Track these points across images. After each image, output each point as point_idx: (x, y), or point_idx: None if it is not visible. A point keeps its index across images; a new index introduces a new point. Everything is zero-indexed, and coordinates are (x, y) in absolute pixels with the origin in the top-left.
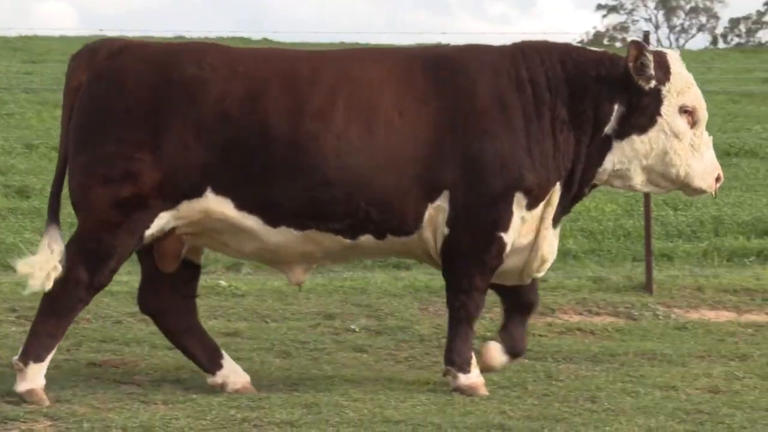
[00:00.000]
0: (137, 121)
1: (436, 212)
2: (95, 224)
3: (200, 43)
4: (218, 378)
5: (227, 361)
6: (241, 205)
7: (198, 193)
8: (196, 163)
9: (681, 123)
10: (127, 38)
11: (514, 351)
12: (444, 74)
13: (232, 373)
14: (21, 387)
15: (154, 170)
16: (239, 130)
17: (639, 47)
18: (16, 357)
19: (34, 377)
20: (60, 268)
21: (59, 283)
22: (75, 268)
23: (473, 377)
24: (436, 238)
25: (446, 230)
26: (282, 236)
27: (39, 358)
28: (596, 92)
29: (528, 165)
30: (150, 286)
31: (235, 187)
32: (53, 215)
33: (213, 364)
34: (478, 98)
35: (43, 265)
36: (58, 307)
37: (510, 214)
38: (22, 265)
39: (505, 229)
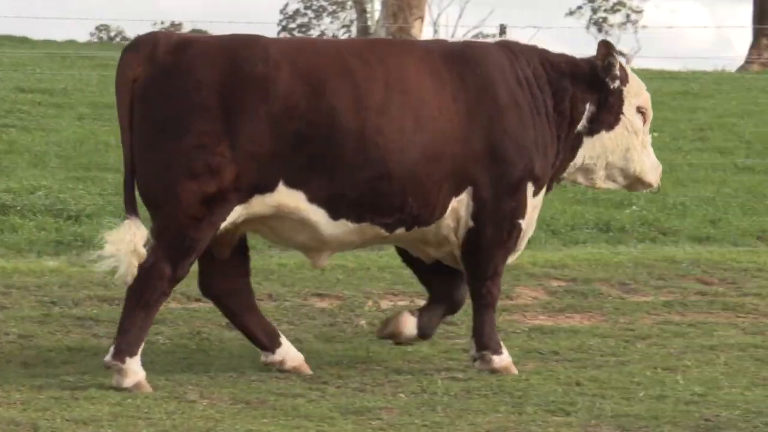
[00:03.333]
0: (214, 116)
1: (459, 205)
2: (181, 219)
3: (255, 36)
4: (277, 356)
5: (284, 340)
6: (311, 198)
7: (270, 187)
8: (269, 158)
9: (638, 122)
10: (173, 31)
11: (424, 333)
12: (466, 70)
13: (290, 352)
14: (126, 383)
15: (232, 164)
16: (308, 123)
17: (608, 47)
18: (109, 357)
19: (136, 370)
20: (144, 254)
21: (144, 277)
22: (160, 262)
23: (506, 358)
24: (459, 229)
25: (471, 223)
26: (339, 228)
27: (133, 353)
28: (572, 92)
29: (535, 155)
30: (209, 270)
31: (307, 180)
32: (133, 209)
33: (273, 342)
34: (497, 94)
35: (126, 246)
36: (144, 301)
37: (525, 202)
38: (108, 245)
39: (523, 216)
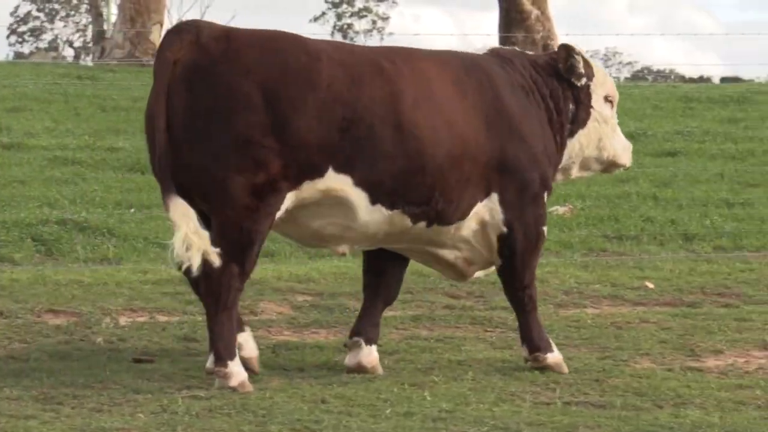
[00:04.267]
0: (261, 107)
1: (484, 210)
2: (236, 213)
3: (296, 34)
4: (229, 369)
5: (248, 331)
6: (357, 182)
7: (320, 173)
8: (317, 144)
9: (607, 110)
10: (215, 22)
11: (376, 341)
12: (479, 80)
13: (249, 342)
14: (232, 383)
15: (280, 154)
16: (352, 111)
17: (567, 50)
18: (210, 364)
19: (238, 371)
20: (210, 251)
21: (217, 280)
22: (228, 262)
23: (558, 354)
24: (485, 233)
25: (504, 229)
26: (374, 214)
27: (232, 355)
28: (559, 94)
29: (546, 164)
30: None
31: (352, 165)
32: (174, 189)
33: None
34: (508, 103)
35: (198, 245)
36: (223, 304)
37: (545, 208)
38: (180, 245)
39: (545, 223)
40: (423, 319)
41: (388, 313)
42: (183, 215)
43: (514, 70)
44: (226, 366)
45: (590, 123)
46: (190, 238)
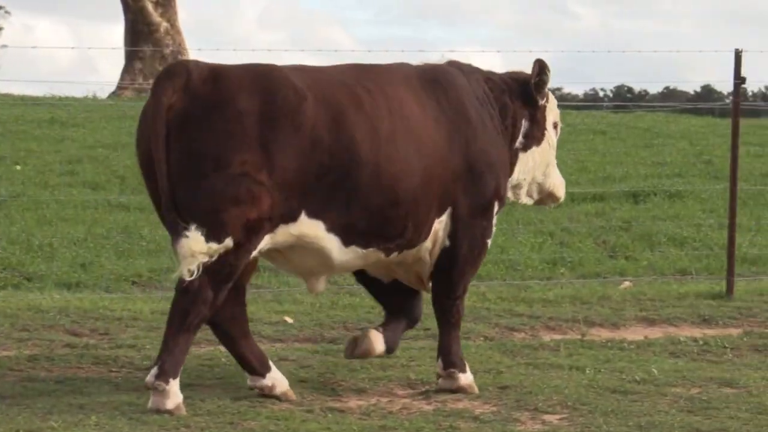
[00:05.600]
0: (254, 145)
1: (439, 226)
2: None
3: (274, 66)
4: (267, 380)
5: (273, 366)
6: (329, 228)
7: (294, 217)
8: (295, 188)
9: (554, 137)
10: (201, 60)
11: (391, 349)
12: (440, 93)
13: (277, 377)
14: (168, 405)
15: (269, 194)
16: (330, 157)
17: (541, 66)
18: (152, 378)
19: (177, 393)
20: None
21: (190, 301)
22: (205, 288)
23: (470, 376)
24: (434, 248)
25: (447, 242)
26: (348, 255)
27: (176, 374)
28: (513, 108)
29: (501, 174)
30: None
31: (325, 210)
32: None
33: (263, 367)
34: (469, 116)
35: (199, 253)
36: (188, 324)
37: (493, 222)
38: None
39: (491, 235)
40: (41, 360)
41: (2, 353)
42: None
43: (471, 83)
44: (167, 383)
45: (543, 144)
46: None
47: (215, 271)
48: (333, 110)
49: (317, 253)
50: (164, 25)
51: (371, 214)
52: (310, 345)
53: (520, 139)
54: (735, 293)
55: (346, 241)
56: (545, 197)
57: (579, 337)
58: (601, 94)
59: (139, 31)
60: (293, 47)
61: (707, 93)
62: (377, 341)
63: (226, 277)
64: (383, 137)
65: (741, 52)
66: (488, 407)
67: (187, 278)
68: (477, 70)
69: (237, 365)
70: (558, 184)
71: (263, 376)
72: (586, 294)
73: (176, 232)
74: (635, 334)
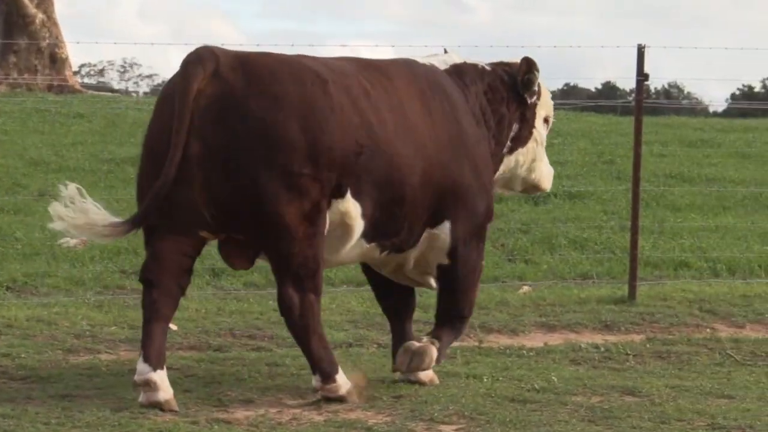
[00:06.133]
0: (295, 136)
1: (432, 238)
2: (297, 243)
3: (291, 54)
4: (156, 377)
5: (165, 370)
6: (362, 213)
7: (342, 193)
8: (341, 165)
9: (544, 131)
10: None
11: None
12: (442, 100)
13: (166, 382)
14: (342, 391)
15: (317, 178)
16: (360, 134)
17: (529, 64)
18: (319, 383)
19: (344, 380)
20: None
21: (302, 314)
22: (304, 297)
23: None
24: (421, 257)
25: (446, 261)
26: (356, 247)
27: (336, 368)
28: (508, 117)
29: (491, 193)
30: (154, 262)
31: (361, 193)
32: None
33: (159, 363)
34: (465, 129)
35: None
36: (314, 330)
37: (485, 241)
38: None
39: (483, 256)
40: None
41: None
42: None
43: (467, 90)
44: (335, 380)
45: (530, 143)
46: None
47: (303, 273)
48: (350, 95)
49: (339, 239)
50: (40, 16)
51: (382, 208)
52: (195, 353)
53: (507, 143)
54: (637, 298)
55: (364, 231)
56: (529, 188)
57: (476, 343)
58: None
59: (14, 24)
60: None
61: (609, 90)
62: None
63: (314, 270)
64: (391, 129)
65: (644, 47)
66: (381, 417)
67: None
68: (478, 77)
69: (118, 375)
70: (544, 177)
71: (154, 370)
72: (484, 299)
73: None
74: (534, 340)
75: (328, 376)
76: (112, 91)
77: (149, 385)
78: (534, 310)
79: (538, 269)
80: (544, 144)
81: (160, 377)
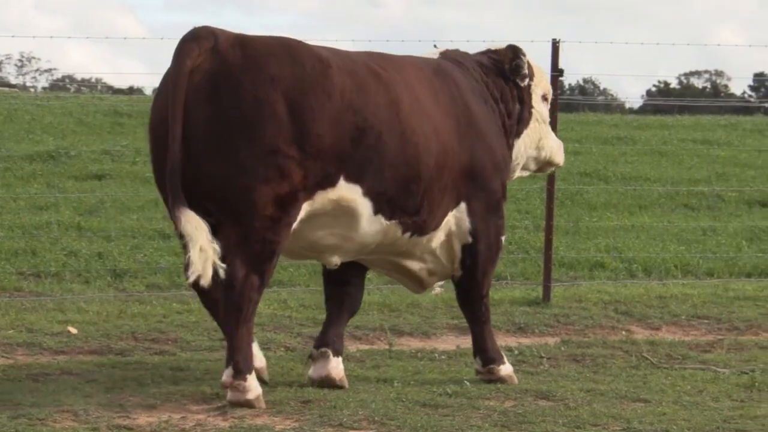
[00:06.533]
0: (285, 116)
1: (453, 219)
2: (260, 224)
3: (292, 38)
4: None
5: (255, 342)
6: (365, 192)
7: (332, 182)
8: (332, 153)
9: (545, 108)
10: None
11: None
12: (449, 87)
13: (256, 353)
14: (250, 396)
15: (301, 164)
16: (363, 120)
17: (514, 51)
18: (229, 378)
19: (256, 384)
20: (220, 265)
21: (238, 292)
22: (249, 274)
23: (510, 367)
24: (449, 242)
25: (469, 239)
26: (374, 224)
27: (250, 369)
28: (508, 96)
29: (505, 170)
30: None
31: (362, 174)
32: (183, 200)
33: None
34: (475, 111)
35: (208, 257)
36: (244, 316)
37: (504, 217)
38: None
39: (504, 232)
40: None
41: None
42: (197, 228)
43: (470, 75)
44: (245, 379)
45: (532, 123)
46: (207, 250)
47: (255, 253)
48: (356, 78)
49: (347, 220)
50: None
51: (398, 184)
52: (96, 357)
53: (515, 124)
54: (552, 299)
55: (376, 209)
56: (544, 166)
57: (387, 347)
58: None
59: None
60: (77, 33)
61: None
62: (337, 366)
63: (268, 256)
64: (404, 109)
65: (559, 42)
66: (290, 423)
67: (197, 276)
68: (467, 57)
69: (14, 380)
70: (555, 152)
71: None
72: (395, 301)
73: (181, 209)
74: (447, 343)
75: (240, 373)
76: (9, 86)
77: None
78: (446, 311)
79: None
80: (547, 121)
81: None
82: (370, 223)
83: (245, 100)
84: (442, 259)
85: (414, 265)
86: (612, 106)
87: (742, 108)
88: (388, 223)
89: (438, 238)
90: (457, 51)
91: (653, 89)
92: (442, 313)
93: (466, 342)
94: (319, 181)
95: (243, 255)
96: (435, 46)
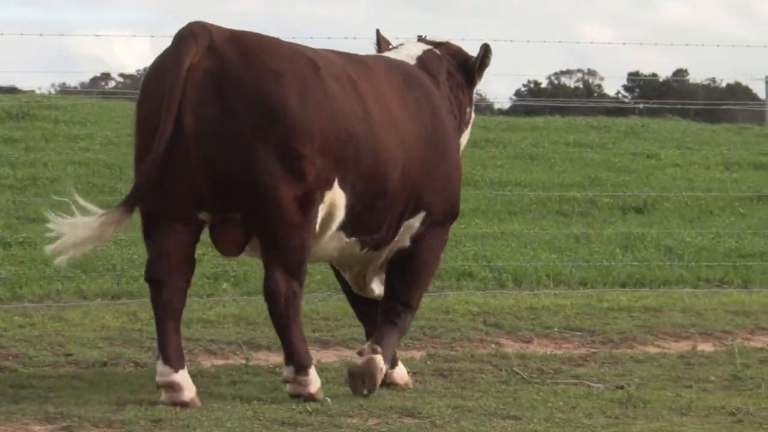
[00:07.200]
0: (295, 113)
1: (405, 230)
2: (291, 229)
3: (275, 37)
4: (178, 377)
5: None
6: (346, 203)
7: (330, 183)
8: (332, 151)
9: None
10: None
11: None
12: (415, 89)
13: (189, 380)
14: (311, 389)
15: (313, 162)
16: (350, 122)
17: (487, 49)
18: (291, 374)
19: (317, 378)
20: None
21: (285, 303)
22: (290, 284)
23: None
24: (391, 248)
25: (408, 243)
26: (334, 240)
27: (311, 363)
28: (460, 93)
29: (459, 185)
30: (160, 260)
31: (347, 182)
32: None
33: (179, 362)
34: (440, 121)
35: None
36: (295, 321)
37: (448, 236)
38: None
39: (444, 250)
40: None
41: None
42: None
43: (436, 81)
44: (308, 374)
45: (470, 126)
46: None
47: (288, 260)
48: (339, 82)
49: (322, 231)
50: None
51: (365, 200)
52: None
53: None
54: (417, 310)
55: (342, 224)
56: None
57: (243, 362)
58: None
59: None
60: None
61: None
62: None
63: (300, 261)
64: (376, 121)
65: (424, 39)
66: None
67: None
68: (441, 65)
69: None
70: None
71: (176, 371)
72: (252, 313)
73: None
74: None
75: (302, 368)
76: None
77: (173, 387)
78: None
79: (310, 279)
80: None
81: (183, 377)
82: (332, 237)
83: (253, 97)
84: (379, 268)
85: (353, 269)
86: (480, 107)
87: (615, 109)
88: (347, 240)
89: (388, 251)
90: (424, 51)
91: (523, 89)
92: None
93: (327, 356)
94: (324, 180)
95: (281, 265)
96: (419, 38)
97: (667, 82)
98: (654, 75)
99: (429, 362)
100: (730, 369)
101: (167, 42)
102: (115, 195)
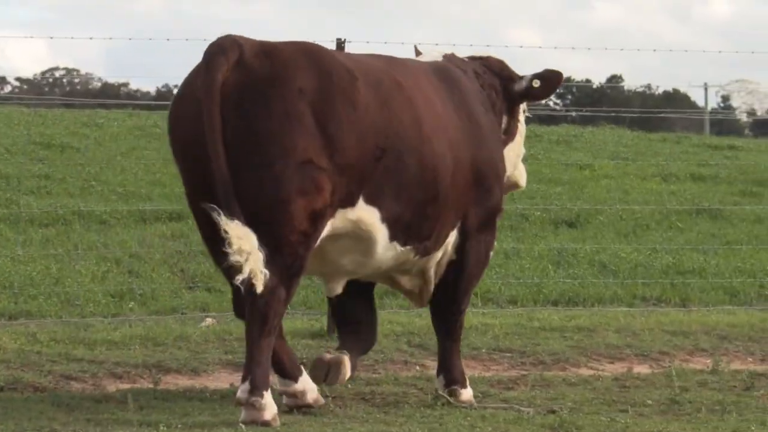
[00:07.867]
0: (315, 126)
1: (450, 239)
2: (292, 238)
3: (318, 45)
4: (299, 385)
5: (305, 371)
6: (383, 217)
7: (352, 201)
8: (356, 170)
9: (523, 126)
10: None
11: (353, 373)
12: (455, 93)
13: (309, 383)
14: (266, 416)
15: (330, 179)
16: (385, 138)
17: (545, 80)
18: (245, 394)
19: (272, 403)
20: (265, 273)
21: (265, 304)
22: (277, 287)
23: (471, 391)
24: (441, 261)
25: (454, 256)
26: (388, 251)
27: (267, 385)
28: (502, 105)
29: (502, 184)
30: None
31: (380, 197)
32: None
33: (296, 372)
34: (479, 117)
35: (256, 261)
36: (268, 330)
37: (495, 233)
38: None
39: (493, 248)
40: None
41: None
42: (244, 237)
43: (474, 82)
44: (262, 396)
45: (517, 137)
46: (254, 254)
47: (286, 266)
48: (381, 93)
49: (364, 245)
50: None
51: (414, 209)
52: None
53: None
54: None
55: (392, 235)
56: (509, 187)
57: (151, 386)
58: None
59: None
60: None
61: None
62: (348, 366)
63: (297, 271)
64: (425, 128)
65: (344, 42)
66: None
67: (247, 276)
68: (469, 63)
69: None
70: (521, 172)
71: (295, 380)
72: (161, 333)
73: (232, 219)
74: (219, 381)
75: (257, 389)
76: None
77: (295, 396)
78: (219, 345)
79: (223, 298)
80: (523, 138)
81: (303, 382)
82: (385, 249)
83: (275, 114)
84: (431, 278)
85: (407, 283)
86: None
87: (546, 117)
88: (402, 249)
89: (435, 258)
90: (454, 55)
91: None
92: (214, 348)
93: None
94: (342, 198)
95: (273, 269)
96: (416, 48)
97: (600, 88)
98: (587, 81)
99: (349, 385)
100: (667, 392)
101: (68, 44)
102: (11, 208)
